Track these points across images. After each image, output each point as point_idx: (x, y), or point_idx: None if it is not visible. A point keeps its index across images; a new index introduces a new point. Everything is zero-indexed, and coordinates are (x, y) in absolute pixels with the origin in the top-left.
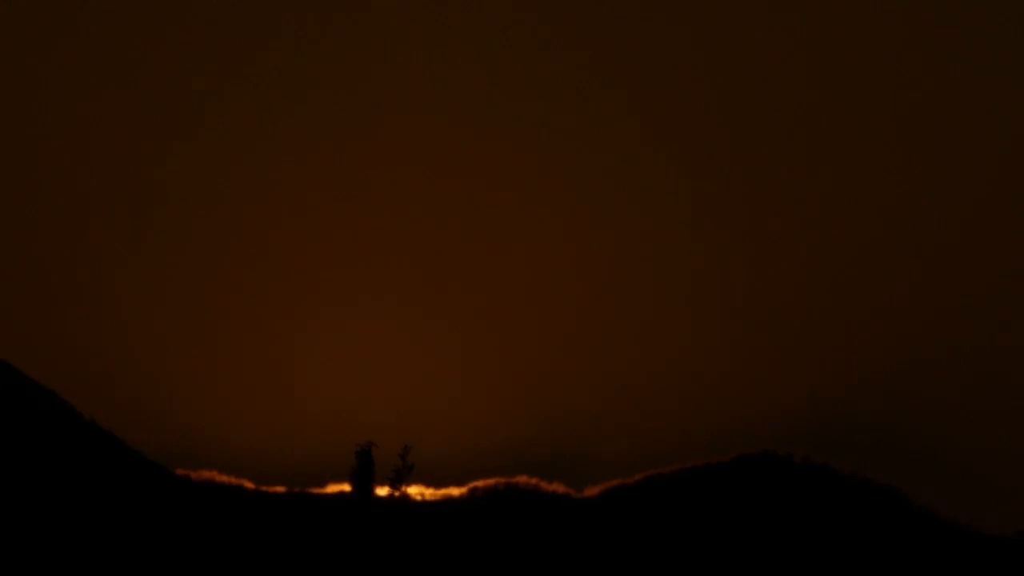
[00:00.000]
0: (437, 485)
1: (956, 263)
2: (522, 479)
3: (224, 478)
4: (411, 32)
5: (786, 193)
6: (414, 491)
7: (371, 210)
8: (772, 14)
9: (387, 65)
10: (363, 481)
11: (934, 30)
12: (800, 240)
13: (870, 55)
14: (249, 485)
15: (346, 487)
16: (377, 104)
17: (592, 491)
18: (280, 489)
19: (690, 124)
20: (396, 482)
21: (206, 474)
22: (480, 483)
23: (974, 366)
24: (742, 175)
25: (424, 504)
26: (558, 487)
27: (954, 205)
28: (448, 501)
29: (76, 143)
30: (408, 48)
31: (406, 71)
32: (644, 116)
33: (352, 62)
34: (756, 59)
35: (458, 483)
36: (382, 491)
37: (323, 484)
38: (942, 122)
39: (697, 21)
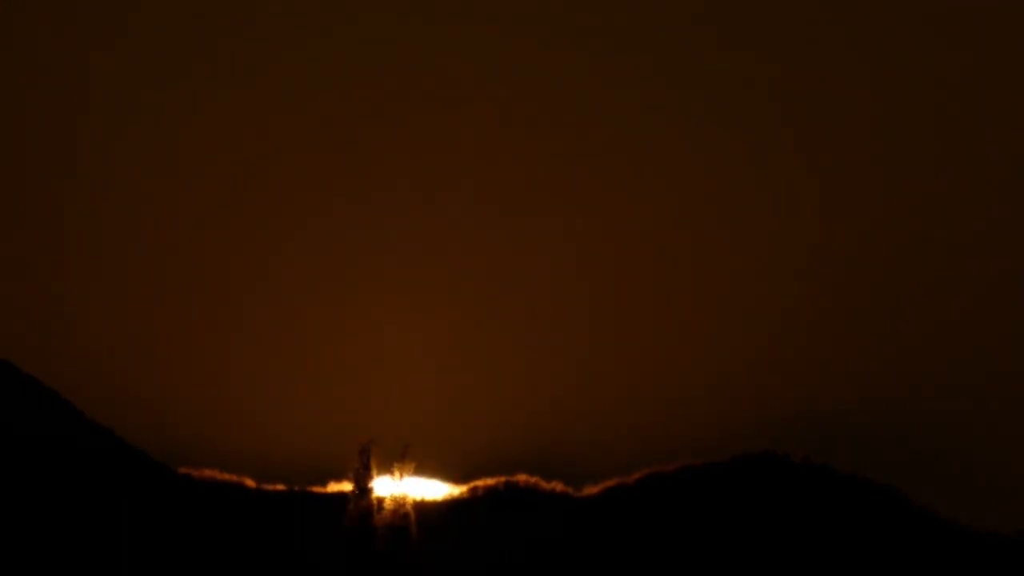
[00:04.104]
0: (438, 483)
1: (956, 266)
2: (522, 478)
3: (225, 477)
4: (430, 25)
5: (786, 199)
6: (415, 489)
7: (373, 215)
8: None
9: (396, 62)
10: (363, 479)
11: None
12: (802, 243)
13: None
14: (250, 483)
15: (346, 486)
16: (384, 109)
17: (592, 490)
18: (281, 487)
19: (688, 128)
20: (396, 481)
21: (207, 473)
22: (481, 482)
23: (973, 368)
24: (740, 179)
25: (425, 502)
26: (557, 486)
27: (954, 209)
28: (449, 499)
29: (79, 147)
30: (422, 43)
31: (417, 70)
32: (641, 120)
33: (356, 57)
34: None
35: (459, 482)
36: (382, 489)
37: (323, 483)
38: (935, 118)
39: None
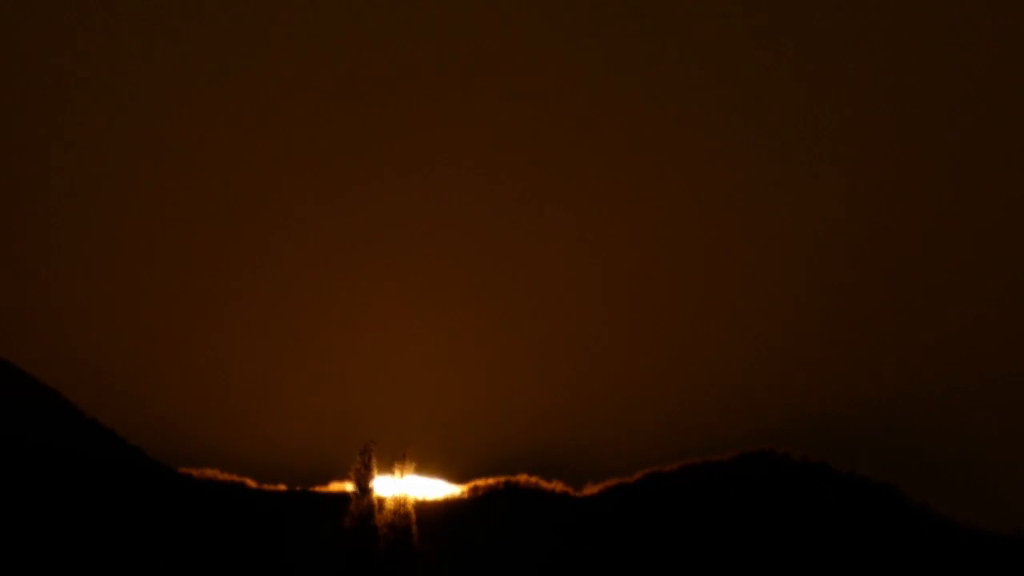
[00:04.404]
0: (438, 483)
1: (956, 266)
2: (522, 478)
3: (226, 477)
4: (436, 26)
5: (787, 201)
6: (415, 489)
7: (373, 216)
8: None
9: (405, 56)
10: (364, 479)
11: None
12: (801, 242)
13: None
14: (251, 483)
15: (347, 486)
16: (389, 107)
17: (592, 490)
18: (281, 487)
19: (685, 128)
20: (397, 480)
21: (208, 473)
22: (481, 481)
23: (973, 368)
24: (743, 183)
25: (425, 502)
26: (557, 486)
27: (954, 210)
28: (449, 499)
29: (80, 147)
30: (431, 36)
31: (426, 64)
32: (640, 121)
33: (362, 50)
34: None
35: (460, 481)
36: (383, 489)
37: (324, 483)
38: (934, 120)
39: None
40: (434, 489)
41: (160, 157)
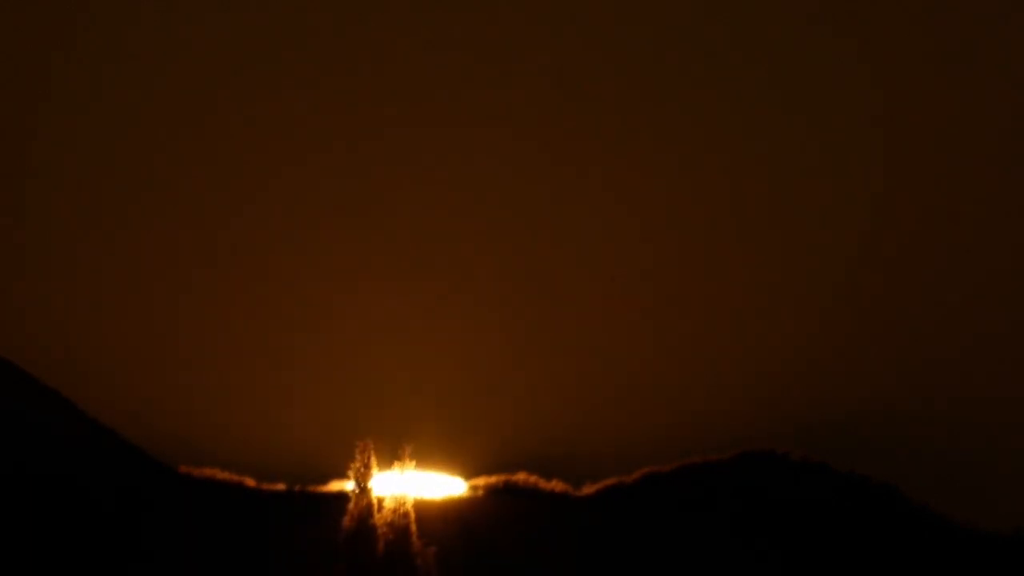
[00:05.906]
0: (439, 482)
1: (955, 265)
2: (522, 477)
3: (225, 476)
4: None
5: (785, 199)
6: (415, 488)
7: (373, 214)
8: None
9: (405, 50)
10: (364, 478)
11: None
12: (801, 243)
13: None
14: (250, 483)
15: (347, 484)
16: (389, 102)
17: (591, 489)
18: (281, 487)
19: (705, 130)
20: (396, 479)
21: (208, 472)
22: (480, 480)
23: (973, 369)
24: (729, 178)
25: (425, 502)
26: (557, 485)
27: (953, 209)
28: (449, 499)
29: (80, 147)
30: (434, 32)
31: (426, 59)
32: (661, 122)
33: (362, 43)
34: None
35: (459, 480)
36: (383, 488)
37: (324, 482)
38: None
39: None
40: (433, 488)
41: (161, 157)
